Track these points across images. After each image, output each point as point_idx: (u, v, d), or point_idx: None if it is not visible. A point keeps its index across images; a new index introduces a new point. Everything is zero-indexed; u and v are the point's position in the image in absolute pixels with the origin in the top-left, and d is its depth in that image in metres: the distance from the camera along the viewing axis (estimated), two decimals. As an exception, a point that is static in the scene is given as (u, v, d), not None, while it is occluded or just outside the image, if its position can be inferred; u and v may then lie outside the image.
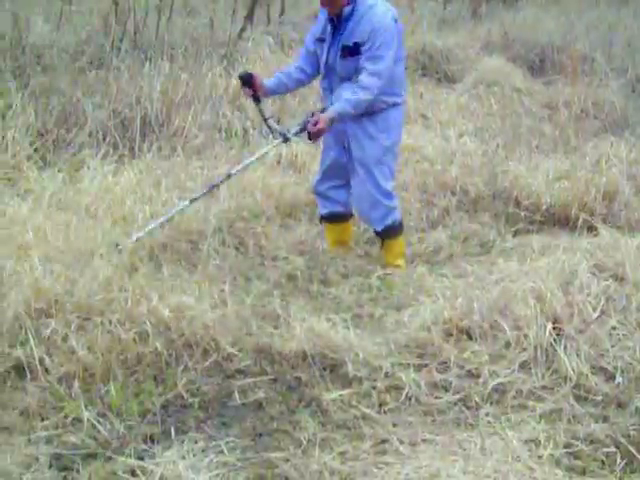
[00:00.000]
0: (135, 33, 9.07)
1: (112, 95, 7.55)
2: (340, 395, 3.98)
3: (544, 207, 6.52)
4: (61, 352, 4.05)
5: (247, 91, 5.36)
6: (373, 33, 5.14)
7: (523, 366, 4.14)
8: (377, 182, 5.41)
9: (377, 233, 5.62)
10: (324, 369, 4.19)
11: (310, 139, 5.25)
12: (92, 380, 3.97)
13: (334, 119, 5.15)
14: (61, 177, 6.21)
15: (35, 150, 6.71)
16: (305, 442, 3.64)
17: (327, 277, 5.50)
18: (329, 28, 5.32)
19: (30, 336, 4.06)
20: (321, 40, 5.39)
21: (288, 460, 3.52)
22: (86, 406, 3.78)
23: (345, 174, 5.60)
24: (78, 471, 3.41)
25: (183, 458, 3.46)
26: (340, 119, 5.20)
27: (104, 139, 7.07)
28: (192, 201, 5.36)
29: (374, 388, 4.05)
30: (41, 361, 4.00)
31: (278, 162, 7.16)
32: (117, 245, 4.97)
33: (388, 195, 5.47)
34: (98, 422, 3.71)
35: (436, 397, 3.98)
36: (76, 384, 3.90)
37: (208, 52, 9.14)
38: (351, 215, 5.84)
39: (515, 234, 6.27)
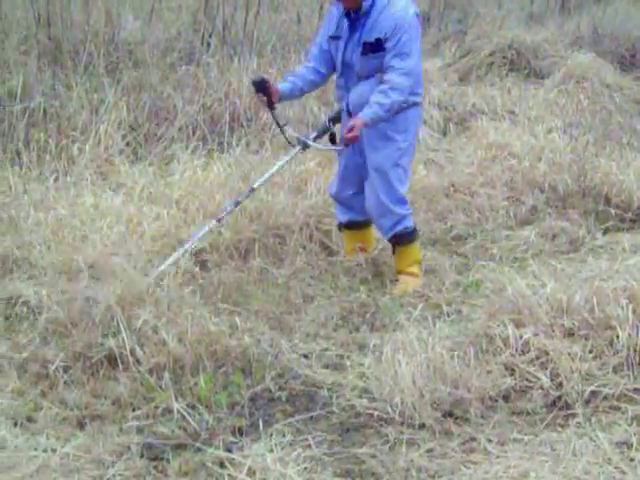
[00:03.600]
0: (224, 29, 9.16)
1: (202, 90, 7.64)
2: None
3: (635, 205, 6.41)
4: (152, 343, 4.10)
5: (261, 97, 5.09)
6: (397, 29, 4.92)
7: (615, 367, 4.05)
8: (392, 187, 5.17)
9: (388, 240, 5.37)
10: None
11: (347, 145, 5.05)
12: (182, 372, 4.03)
13: (367, 124, 4.95)
14: (152, 171, 6.32)
15: (127, 144, 6.82)
16: (392, 439, 3.64)
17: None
18: (345, 24, 5.08)
19: (122, 327, 4.13)
20: (335, 38, 5.13)
21: (375, 456, 3.53)
22: (176, 397, 3.85)
23: (360, 180, 5.34)
24: (168, 461, 3.47)
25: (271, 451, 3.48)
26: (373, 124, 4.98)
27: (194, 134, 7.15)
28: (219, 220, 5.15)
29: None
30: (132, 352, 4.06)
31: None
32: None
33: (401, 201, 5.23)
34: (188, 413, 3.77)
35: (526, 396, 3.94)
36: (166, 375, 3.96)
37: (295, 47, 9.18)
38: (371, 222, 5.55)
39: (605, 232, 6.17)
